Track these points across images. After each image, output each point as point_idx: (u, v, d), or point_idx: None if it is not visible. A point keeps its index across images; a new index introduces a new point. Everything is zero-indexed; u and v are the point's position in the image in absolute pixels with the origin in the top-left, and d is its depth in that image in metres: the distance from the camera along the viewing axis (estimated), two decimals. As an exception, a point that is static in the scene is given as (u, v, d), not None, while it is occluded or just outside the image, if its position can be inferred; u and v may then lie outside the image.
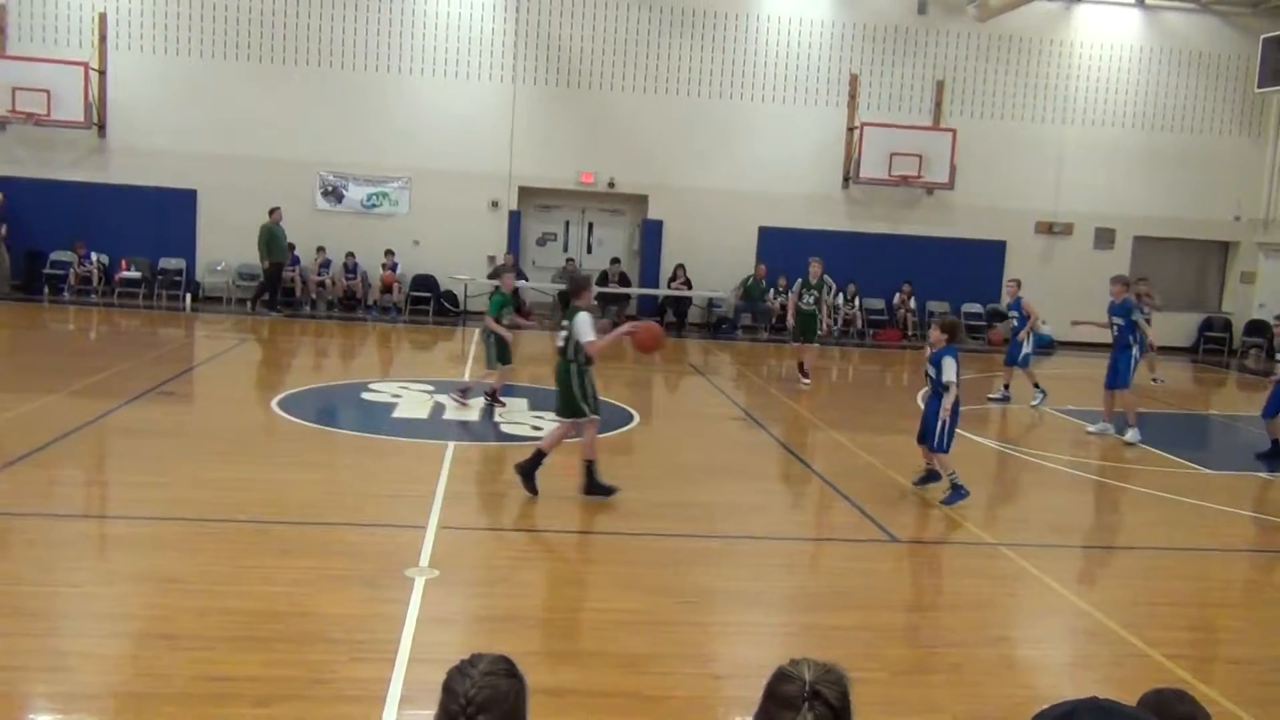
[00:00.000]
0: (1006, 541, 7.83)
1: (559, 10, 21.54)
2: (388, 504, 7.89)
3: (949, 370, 8.58)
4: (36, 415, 9.93)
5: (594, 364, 8.15)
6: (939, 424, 8.65)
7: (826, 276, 15.10)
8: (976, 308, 22.75)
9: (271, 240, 19.97)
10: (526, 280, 21.04)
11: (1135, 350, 12.36)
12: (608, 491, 8.16)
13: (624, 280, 21.59)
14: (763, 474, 10.03)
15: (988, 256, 22.71)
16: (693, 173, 21.78)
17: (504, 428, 10.98)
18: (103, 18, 20.37)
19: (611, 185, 21.99)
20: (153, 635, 5.19)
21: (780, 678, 2.14)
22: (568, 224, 22.97)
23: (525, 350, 13.88)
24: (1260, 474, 10.97)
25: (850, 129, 22.10)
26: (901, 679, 5.30)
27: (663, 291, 21.59)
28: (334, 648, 5.13)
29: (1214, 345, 23.44)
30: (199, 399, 12.56)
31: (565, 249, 22.76)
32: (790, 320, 15.55)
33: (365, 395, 12.42)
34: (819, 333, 15.32)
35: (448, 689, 2.18)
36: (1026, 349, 14.54)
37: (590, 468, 8.17)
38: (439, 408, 11.75)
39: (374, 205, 21.59)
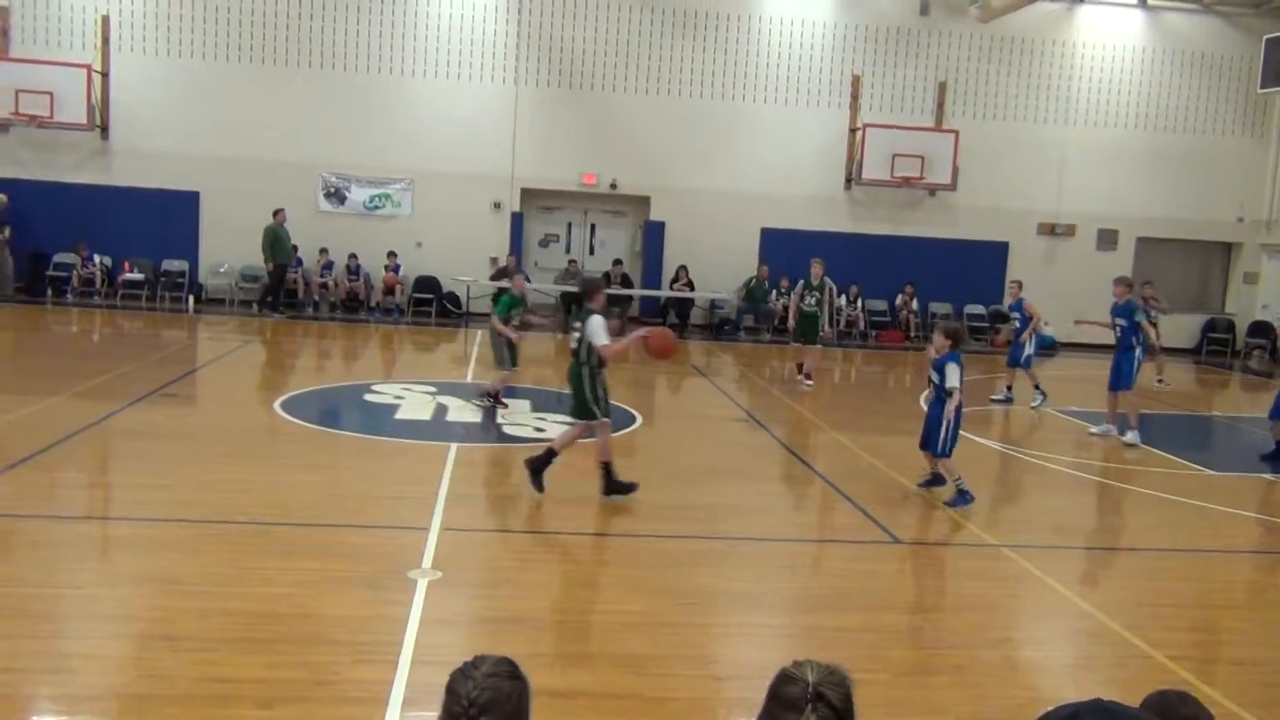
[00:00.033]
0: (1009, 543, 7.82)
1: (561, 12, 21.55)
2: (390, 505, 7.89)
3: (953, 376, 8.58)
4: (39, 417, 9.94)
5: (606, 366, 8.16)
6: (942, 429, 8.65)
7: (827, 278, 15.10)
8: (979, 309, 22.74)
9: (276, 242, 19.99)
10: (530, 282, 21.02)
11: (1138, 352, 12.34)
12: (628, 489, 8.19)
13: (626, 282, 21.59)
14: (765, 475, 10.03)
15: (990, 258, 22.70)
16: (695, 174, 21.78)
17: (506, 429, 10.98)
18: (105, 20, 20.41)
19: (614, 186, 22.00)
20: (155, 637, 5.19)
21: (783, 679, 2.14)
22: (570, 225, 22.98)
23: (527, 352, 13.87)
24: (1264, 475, 10.96)
25: (852, 130, 22.10)
26: (904, 680, 5.29)
27: (665, 293, 21.59)
28: (336, 649, 5.13)
29: (1217, 346, 23.41)
30: (202, 401, 12.57)
31: (567, 250, 22.77)
32: (791, 321, 15.55)
33: (368, 397, 12.43)
34: (820, 334, 15.31)
35: (450, 691, 2.19)
36: (1029, 350, 14.53)
37: (607, 469, 8.19)
38: (441, 409, 11.76)
39: (376, 207, 21.60)
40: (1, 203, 19.87)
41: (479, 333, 19.58)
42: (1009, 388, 14.77)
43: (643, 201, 22.31)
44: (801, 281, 15.15)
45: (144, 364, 13.86)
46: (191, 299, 20.59)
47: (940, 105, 22.43)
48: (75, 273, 20.33)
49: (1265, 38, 20.59)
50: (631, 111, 21.72)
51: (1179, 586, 7.23)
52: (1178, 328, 22.35)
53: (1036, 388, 14.36)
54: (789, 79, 22.11)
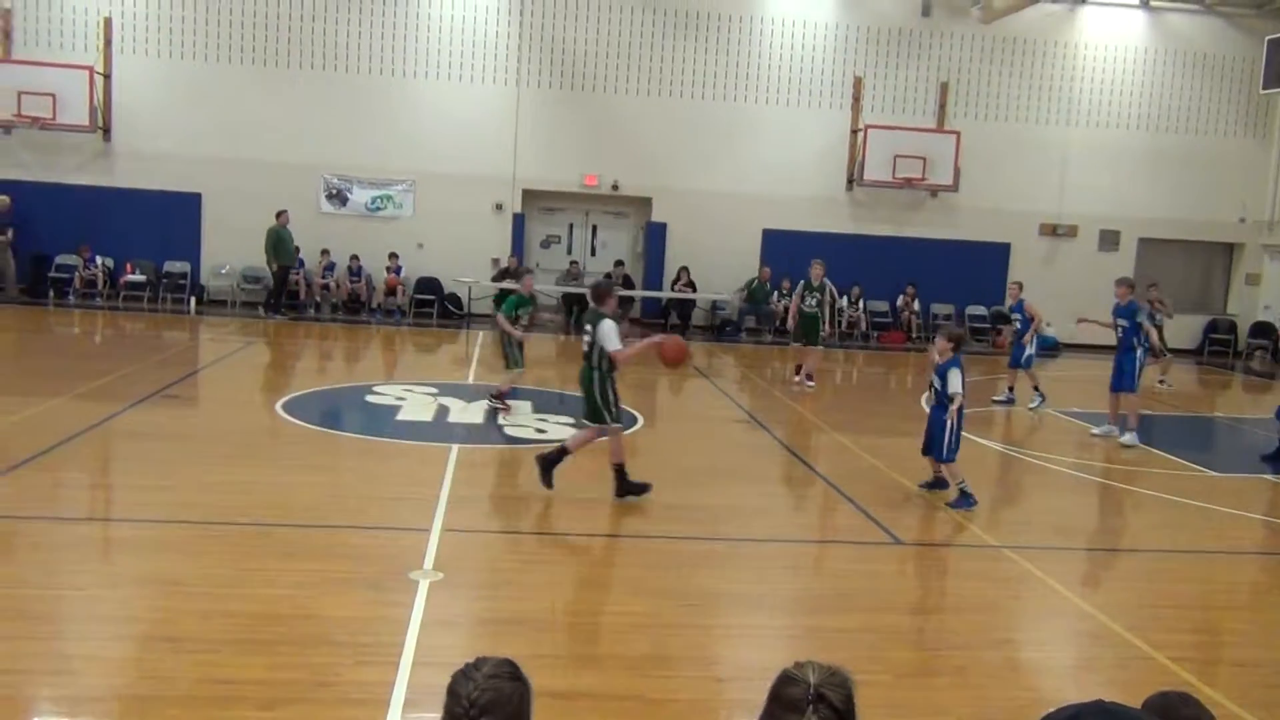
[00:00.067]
0: (1010, 544, 7.82)
1: (563, 13, 21.56)
2: (391, 507, 7.89)
3: (955, 382, 8.57)
4: (41, 418, 9.95)
5: (617, 370, 8.17)
6: (945, 434, 8.64)
7: (826, 280, 15.09)
8: (981, 310, 22.73)
9: (279, 243, 20.02)
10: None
11: (1139, 353, 12.31)
12: (642, 490, 8.22)
13: (628, 283, 21.59)
14: (767, 476, 10.03)
15: (992, 258, 22.69)
16: (696, 175, 21.78)
17: (508, 430, 10.98)
18: (108, 22, 20.43)
19: (615, 188, 22.01)
20: (157, 638, 5.19)
21: (785, 680, 2.14)
22: (571, 227, 22.99)
23: (529, 353, 13.84)
24: (1266, 476, 10.95)
25: (854, 131, 22.10)
26: (906, 682, 5.29)
27: (666, 294, 21.59)
28: (338, 651, 5.13)
29: (1219, 347, 23.40)
30: (203, 402, 12.58)
31: (569, 252, 22.78)
32: (790, 323, 15.53)
33: (369, 398, 12.43)
34: (821, 335, 15.30)
35: (452, 692, 2.19)
36: (1030, 350, 14.52)
37: (620, 471, 8.21)
38: (443, 410, 11.76)
39: (378, 208, 21.62)
40: (4, 204, 19.89)
41: (480, 334, 19.60)
42: (1010, 389, 14.76)
43: (644, 203, 22.32)
44: (802, 282, 15.15)
45: (146, 365, 13.87)
46: (193, 300, 20.61)
47: (942, 106, 22.42)
48: (77, 274, 20.34)
49: (1267, 38, 20.59)
50: (633, 113, 21.73)
51: (1181, 588, 7.23)
52: (1179, 328, 22.27)
53: (1035, 389, 14.35)
54: (790, 80, 22.11)
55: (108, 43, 20.44)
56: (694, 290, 21.57)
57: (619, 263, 21.93)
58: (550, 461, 8.14)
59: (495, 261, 21.44)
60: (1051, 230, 23.07)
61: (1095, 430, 12.58)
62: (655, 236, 22.08)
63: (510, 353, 11.90)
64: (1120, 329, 12.35)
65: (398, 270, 21.19)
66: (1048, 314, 15.99)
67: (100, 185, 20.70)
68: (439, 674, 2.36)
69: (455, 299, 21.52)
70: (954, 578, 7.37)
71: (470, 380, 14.33)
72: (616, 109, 21.74)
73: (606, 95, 21.77)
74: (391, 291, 21.17)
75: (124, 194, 20.70)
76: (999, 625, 6.31)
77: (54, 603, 5.64)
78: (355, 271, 21.15)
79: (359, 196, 21.53)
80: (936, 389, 8.81)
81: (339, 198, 21.48)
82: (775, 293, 21.71)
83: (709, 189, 21.78)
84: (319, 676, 4.85)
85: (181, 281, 20.89)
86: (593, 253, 22.94)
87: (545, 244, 22.84)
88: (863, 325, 22.14)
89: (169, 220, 20.92)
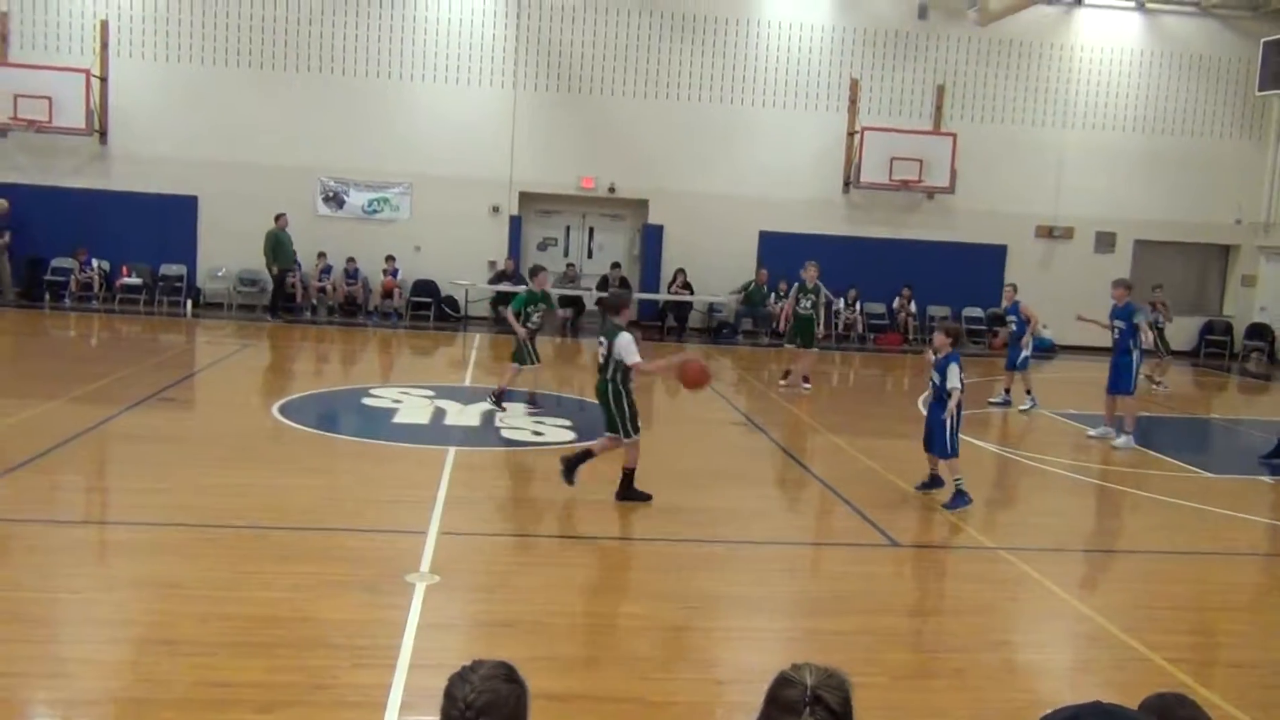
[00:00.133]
0: (1007, 546, 7.82)
1: (559, 16, 21.57)
2: (388, 509, 7.89)
3: (954, 376, 8.59)
4: (38, 421, 9.93)
5: (634, 381, 8.19)
6: (945, 431, 8.65)
7: (819, 282, 15.09)
8: (977, 312, 22.73)
9: (278, 246, 20.01)
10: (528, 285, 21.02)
11: (1136, 355, 12.31)
12: (643, 498, 8.27)
13: (624, 285, 21.58)
14: (764, 479, 10.03)
15: (988, 260, 22.70)
16: (693, 177, 21.79)
17: (504, 433, 10.98)
18: (104, 25, 20.41)
19: (612, 190, 22.00)
20: (153, 641, 5.18)
21: (782, 683, 2.14)
22: (568, 229, 22.99)
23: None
24: (1262, 478, 10.96)
25: (851, 133, 22.11)
26: (903, 684, 5.29)
27: (663, 296, 21.59)
28: (335, 653, 5.13)
29: (1215, 349, 23.42)
30: (200, 405, 12.56)
31: (566, 254, 22.78)
32: (782, 324, 15.53)
33: (366, 401, 12.43)
34: (816, 336, 15.31)
35: (448, 694, 2.19)
36: (1025, 352, 14.52)
37: (629, 476, 8.26)
38: (440, 413, 11.75)
39: (375, 211, 21.60)
40: (1, 208, 19.86)
41: (477, 336, 19.61)
42: (1007, 390, 14.77)
43: (641, 205, 22.32)
44: (797, 284, 15.15)
45: (142, 368, 13.85)
46: (189, 303, 20.58)
47: (938, 108, 22.44)
48: (73, 277, 20.30)
49: (1263, 40, 20.64)
50: (630, 115, 21.73)
51: (1177, 589, 7.23)
52: (1176, 330, 22.28)
53: (1028, 393, 14.36)
54: (787, 82, 22.12)
55: (104, 46, 20.41)
56: (691, 292, 21.57)
57: (615, 265, 21.93)
58: (574, 464, 8.23)
59: (492, 264, 21.43)
60: (1048, 232, 23.09)
61: (1091, 432, 12.59)
62: (652, 239, 22.08)
63: (523, 350, 11.89)
64: (1117, 331, 12.35)
65: (394, 273, 21.17)
66: (1044, 316, 15.99)
67: (96, 188, 20.67)
68: (436, 676, 2.36)
69: (452, 301, 21.50)
70: (951, 580, 7.37)
71: (467, 383, 14.32)
72: (613, 111, 21.74)
73: (603, 98, 21.77)
74: (388, 294, 21.15)
75: (120, 197, 20.67)
76: (996, 627, 6.31)
77: (50, 606, 5.63)
78: (352, 274, 21.13)
79: (355, 199, 21.52)
80: (935, 384, 8.82)
81: (335, 200, 21.47)
82: (772, 295, 21.71)
83: (706, 191, 21.78)
84: (316, 679, 4.85)
85: (178, 284, 20.86)
86: (589, 255, 22.94)
87: (542, 246, 22.83)
88: (859, 327, 22.15)
89: (165, 223, 20.89)
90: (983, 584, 7.04)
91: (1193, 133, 23.19)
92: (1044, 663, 5.89)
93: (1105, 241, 23.23)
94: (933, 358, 8.85)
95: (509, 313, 12.02)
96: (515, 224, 21.80)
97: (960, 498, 8.60)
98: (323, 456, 9.71)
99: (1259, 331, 23.19)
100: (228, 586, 5.93)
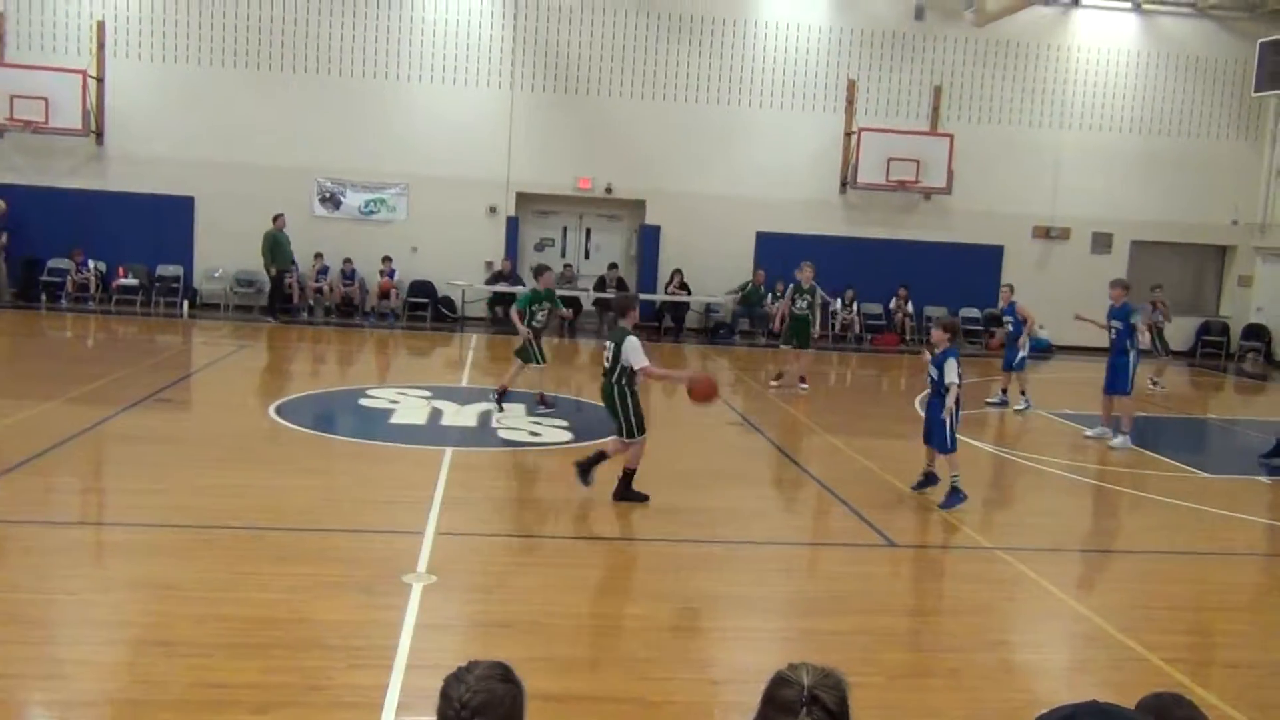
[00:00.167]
0: (1004, 546, 7.83)
1: (557, 16, 21.56)
2: (385, 510, 7.88)
3: (951, 371, 8.61)
4: (34, 422, 9.92)
5: (639, 384, 8.20)
6: (944, 428, 8.66)
7: (815, 284, 15.09)
8: (974, 312, 22.74)
9: (276, 247, 19.99)
10: (525, 286, 21.03)
11: (1133, 355, 12.31)
12: (640, 499, 8.27)
13: (621, 285, 21.59)
14: (761, 479, 10.03)
15: (985, 261, 22.72)
16: (690, 178, 21.79)
17: (501, 433, 10.97)
18: (101, 26, 20.38)
19: (609, 191, 22.00)
20: (149, 642, 5.18)
21: (779, 682, 2.14)
22: (565, 230, 22.98)
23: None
24: (1259, 478, 10.97)
25: (848, 134, 22.12)
26: (900, 684, 5.29)
27: (660, 296, 21.59)
28: (331, 654, 5.12)
29: (1211, 349, 23.45)
30: (196, 406, 12.55)
31: (563, 255, 22.77)
32: (777, 324, 15.54)
33: (363, 401, 12.42)
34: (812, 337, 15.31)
35: (444, 694, 2.19)
36: (1022, 353, 14.53)
37: (629, 476, 8.28)
38: (437, 413, 11.75)
39: (372, 212, 21.59)
40: (-4, 208, 19.85)
41: (474, 337, 19.60)
42: (1004, 391, 14.79)
43: (638, 205, 22.31)
44: (792, 285, 15.16)
45: (138, 369, 13.83)
46: (186, 304, 20.56)
47: (935, 109, 22.46)
48: (70, 278, 20.27)
49: (1259, 41, 20.66)
50: (627, 116, 21.73)
51: (1174, 589, 7.24)
52: (1172, 330, 22.33)
53: (1023, 393, 14.37)
54: (784, 83, 22.13)
55: (100, 46, 20.40)
56: (688, 293, 21.57)
57: (613, 265, 21.92)
58: (588, 466, 8.26)
59: (489, 265, 21.42)
60: (1044, 233, 23.11)
61: (1089, 432, 12.61)
62: (649, 239, 22.07)
63: (529, 348, 11.88)
64: (1114, 331, 12.37)
65: (391, 274, 21.15)
66: (1040, 316, 16.00)
67: (93, 189, 20.64)
68: (432, 677, 2.35)
69: (449, 302, 21.50)
70: (948, 580, 7.38)
71: (464, 383, 14.31)
72: (610, 112, 21.74)
73: (600, 98, 21.77)
74: (385, 295, 21.14)
75: (117, 198, 20.64)
76: (993, 627, 6.32)
77: (46, 607, 5.62)
78: (349, 275, 21.12)
79: (352, 200, 21.50)
80: (933, 379, 8.84)
81: (332, 201, 21.45)
82: (770, 295, 21.70)
83: (703, 192, 21.78)
84: (312, 680, 4.84)
85: (174, 285, 20.83)
86: (586, 256, 22.93)
87: (539, 247, 22.82)
88: (856, 328, 22.16)
89: (162, 224, 20.87)
90: (980, 584, 7.04)
91: (1189, 134, 23.22)
92: (1041, 662, 5.89)
93: (1102, 242, 23.25)
94: (927, 357, 8.86)
95: (513, 311, 12.02)
96: (512, 224, 21.79)
97: (955, 495, 8.60)
98: (319, 457, 9.70)
99: (1255, 332, 23.22)
100: (224, 587, 5.93)
